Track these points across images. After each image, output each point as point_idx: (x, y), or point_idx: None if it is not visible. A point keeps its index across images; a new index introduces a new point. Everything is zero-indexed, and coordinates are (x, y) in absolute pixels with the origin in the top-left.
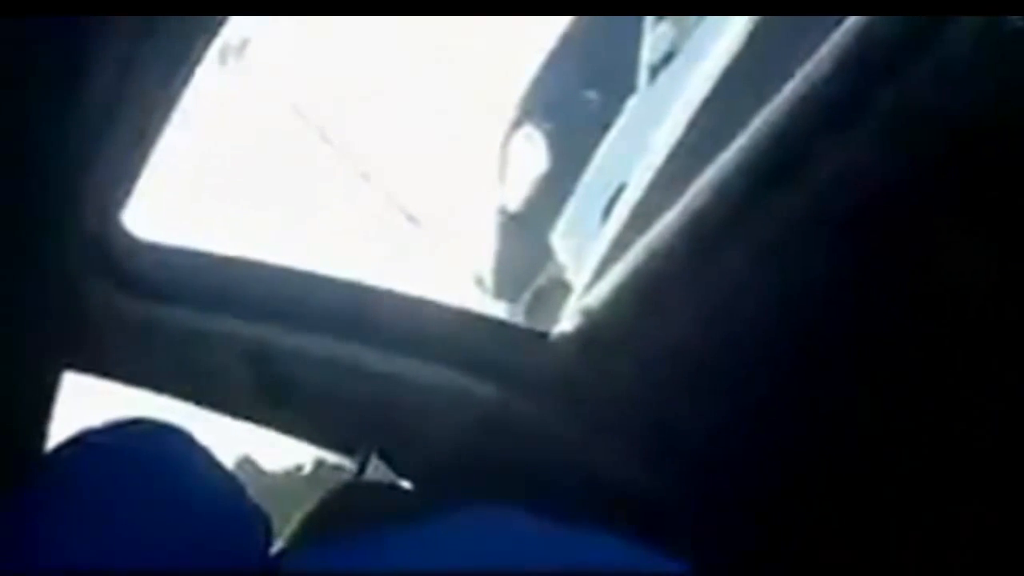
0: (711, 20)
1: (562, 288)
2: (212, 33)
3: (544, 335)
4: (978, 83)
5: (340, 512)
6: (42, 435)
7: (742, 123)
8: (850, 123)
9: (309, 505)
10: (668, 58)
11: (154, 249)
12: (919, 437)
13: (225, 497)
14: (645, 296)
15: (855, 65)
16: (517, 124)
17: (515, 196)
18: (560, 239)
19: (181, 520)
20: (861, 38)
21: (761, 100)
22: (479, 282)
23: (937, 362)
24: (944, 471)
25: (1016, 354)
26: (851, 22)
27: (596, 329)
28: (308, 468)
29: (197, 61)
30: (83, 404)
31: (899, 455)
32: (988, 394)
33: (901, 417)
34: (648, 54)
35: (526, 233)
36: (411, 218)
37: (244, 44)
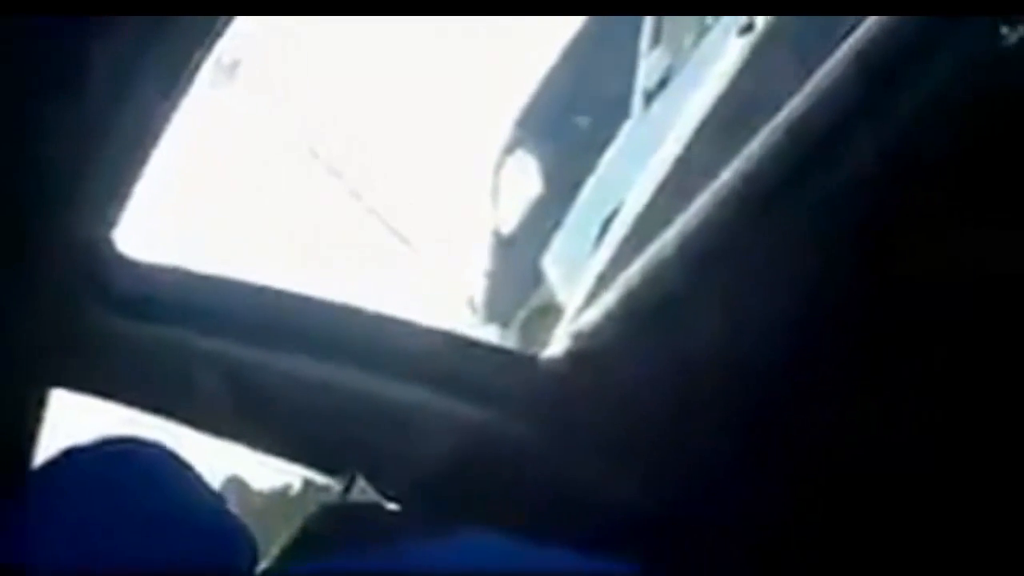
0: (706, 46)
1: (554, 312)
2: (209, 44)
3: (533, 358)
4: (983, 97)
5: (324, 533)
6: (28, 453)
7: (736, 149)
8: (846, 149)
9: (296, 525)
10: (663, 84)
11: (144, 268)
12: (925, 453)
13: (209, 516)
14: (636, 320)
15: (850, 91)
16: (510, 148)
17: (507, 220)
18: (552, 263)
19: (164, 538)
20: (856, 65)
21: (756, 126)
22: (471, 305)
23: (944, 371)
24: (950, 480)
25: None
26: (844, 49)
27: (586, 352)
28: (296, 488)
29: (192, 74)
30: (71, 422)
31: (903, 477)
32: (1000, 401)
33: (908, 436)
34: (643, 79)
35: (518, 256)
36: (403, 239)
37: (235, 65)
